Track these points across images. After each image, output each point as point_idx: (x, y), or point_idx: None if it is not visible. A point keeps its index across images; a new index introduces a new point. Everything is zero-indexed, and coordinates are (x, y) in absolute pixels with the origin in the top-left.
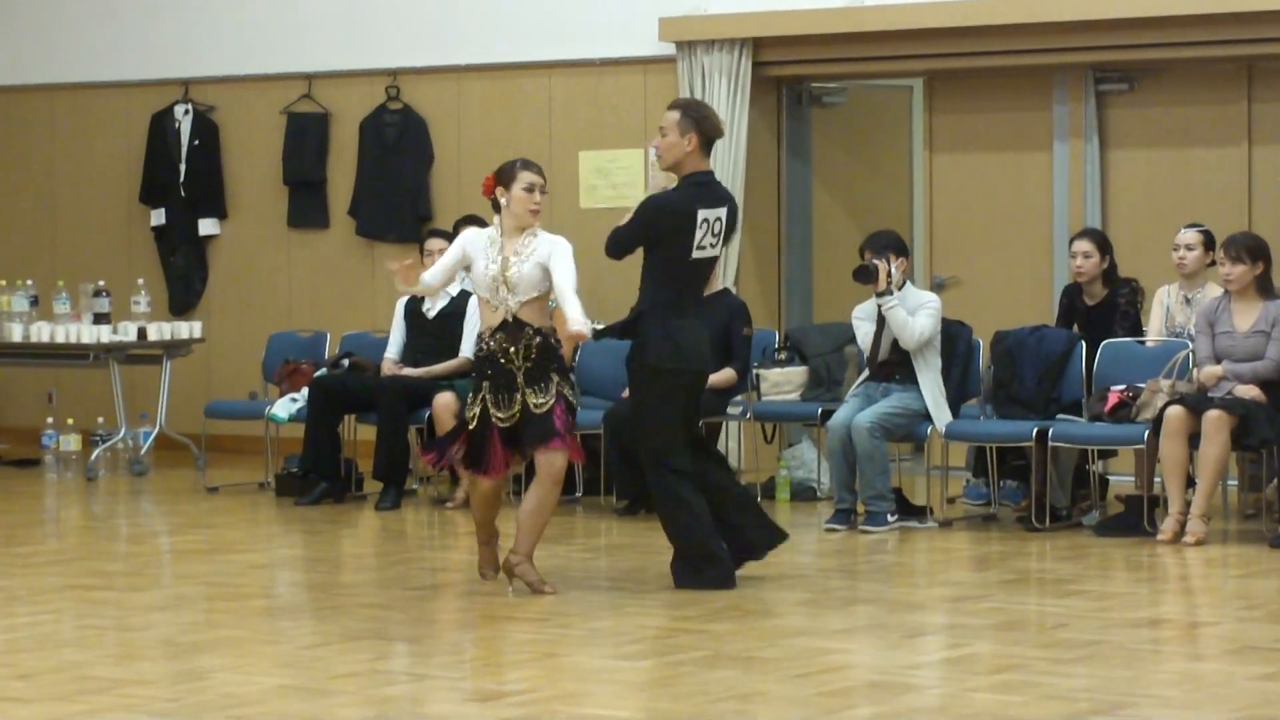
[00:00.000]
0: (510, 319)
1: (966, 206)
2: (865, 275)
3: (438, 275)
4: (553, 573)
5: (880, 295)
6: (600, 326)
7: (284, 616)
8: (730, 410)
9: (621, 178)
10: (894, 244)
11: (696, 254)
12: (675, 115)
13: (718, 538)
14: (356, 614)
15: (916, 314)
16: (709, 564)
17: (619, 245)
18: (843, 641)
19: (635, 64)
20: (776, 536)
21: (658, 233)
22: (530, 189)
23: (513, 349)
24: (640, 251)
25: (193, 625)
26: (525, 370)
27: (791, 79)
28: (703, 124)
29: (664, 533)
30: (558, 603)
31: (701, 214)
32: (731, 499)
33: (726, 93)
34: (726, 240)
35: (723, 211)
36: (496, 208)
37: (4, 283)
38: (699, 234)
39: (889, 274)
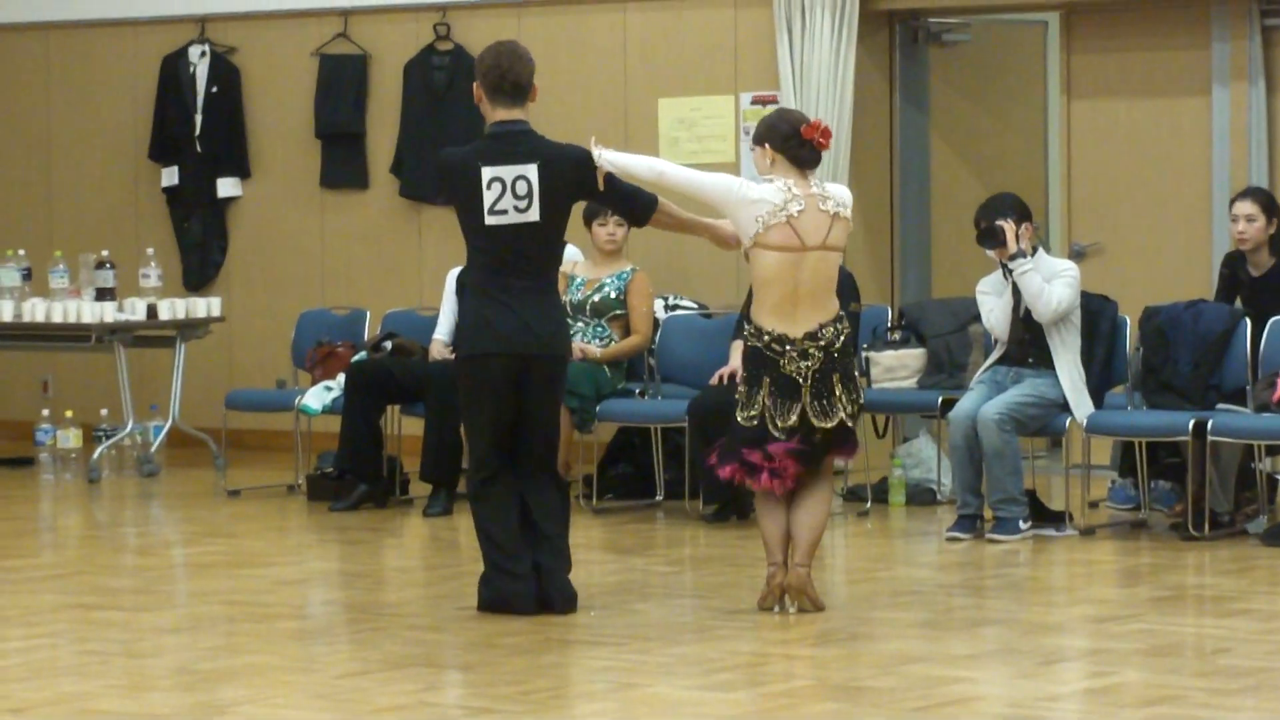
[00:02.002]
0: None
1: (1110, 162)
2: (990, 238)
3: None
4: (630, 589)
5: (1011, 259)
6: None
7: (317, 640)
8: None
9: (708, 129)
10: (1015, 208)
11: (491, 219)
12: None
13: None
14: (402, 637)
15: (1052, 282)
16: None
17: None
18: (968, 669)
19: None
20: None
21: (449, 194)
22: None
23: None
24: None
25: (211, 651)
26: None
27: (905, 14)
28: (482, 72)
29: None
30: (635, 625)
31: (490, 172)
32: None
33: (830, 31)
34: (618, 210)
35: (528, 170)
36: None
37: None
38: (489, 196)
39: (1016, 235)
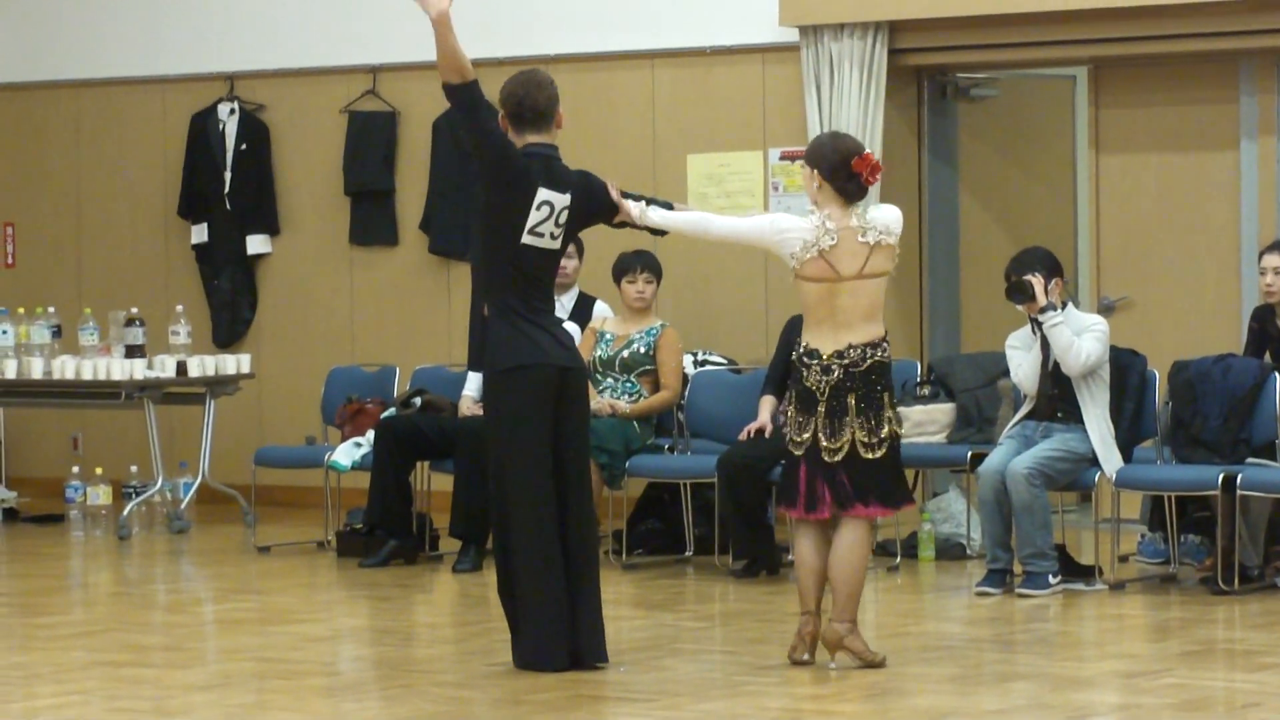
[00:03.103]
0: None
1: (1139, 216)
2: (1020, 292)
3: None
4: (660, 645)
5: (1041, 312)
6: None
7: (347, 697)
8: None
9: (737, 184)
10: (1045, 262)
11: (529, 239)
12: None
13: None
14: (432, 695)
15: (1082, 337)
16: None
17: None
18: None
19: (752, 52)
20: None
21: (496, 186)
22: None
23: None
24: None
25: (241, 708)
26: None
27: (934, 68)
28: (502, 101)
29: None
30: (665, 680)
31: (545, 194)
32: None
33: (859, 85)
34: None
35: (567, 200)
36: None
37: (22, 310)
38: (536, 215)
39: (1046, 289)
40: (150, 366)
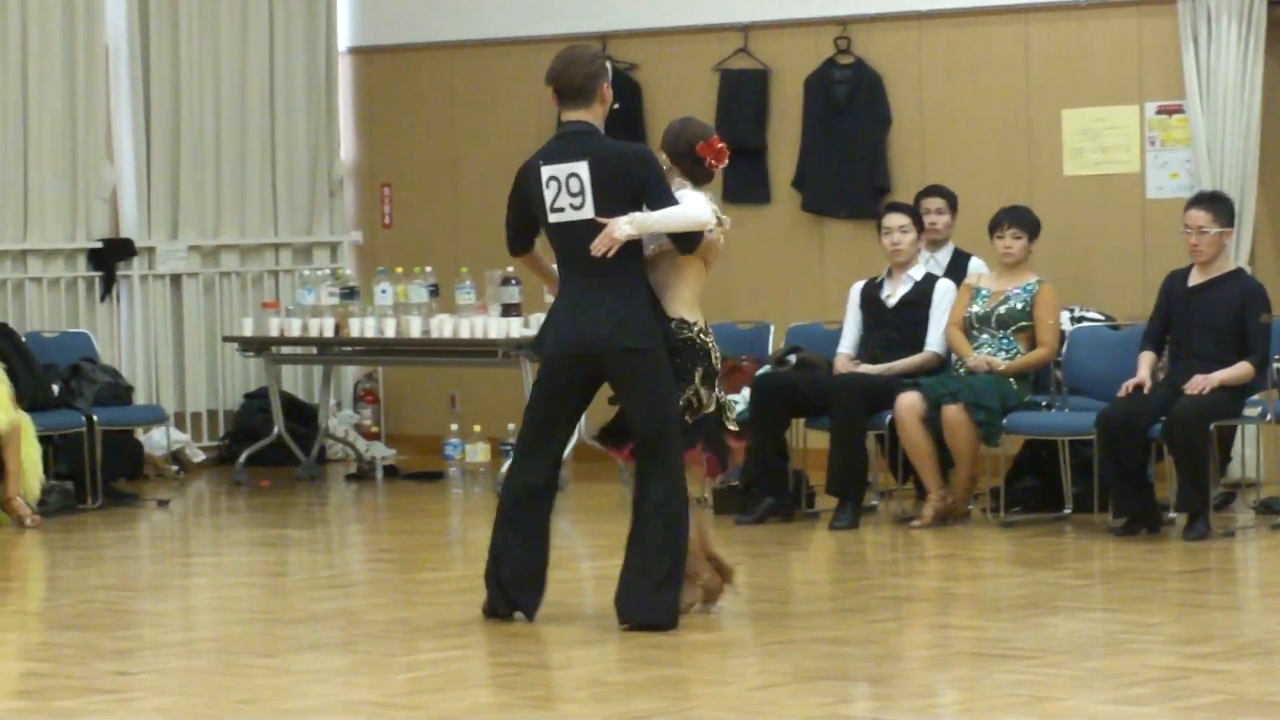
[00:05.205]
0: None
1: None
2: None
3: None
4: (1039, 603)
5: None
6: None
7: (728, 654)
8: (1247, 411)
9: (1113, 139)
10: None
11: (554, 217)
12: None
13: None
14: (811, 650)
15: None
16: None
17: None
18: None
19: (1127, 6)
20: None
21: (521, 201)
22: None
23: None
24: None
25: (623, 663)
26: None
27: None
28: (547, 75)
29: None
30: (1046, 638)
31: (548, 170)
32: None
33: (1237, 37)
34: (652, 204)
35: (579, 167)
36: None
37: (400, 270)
38: (549, 194)
39: None
40: (526, 325)
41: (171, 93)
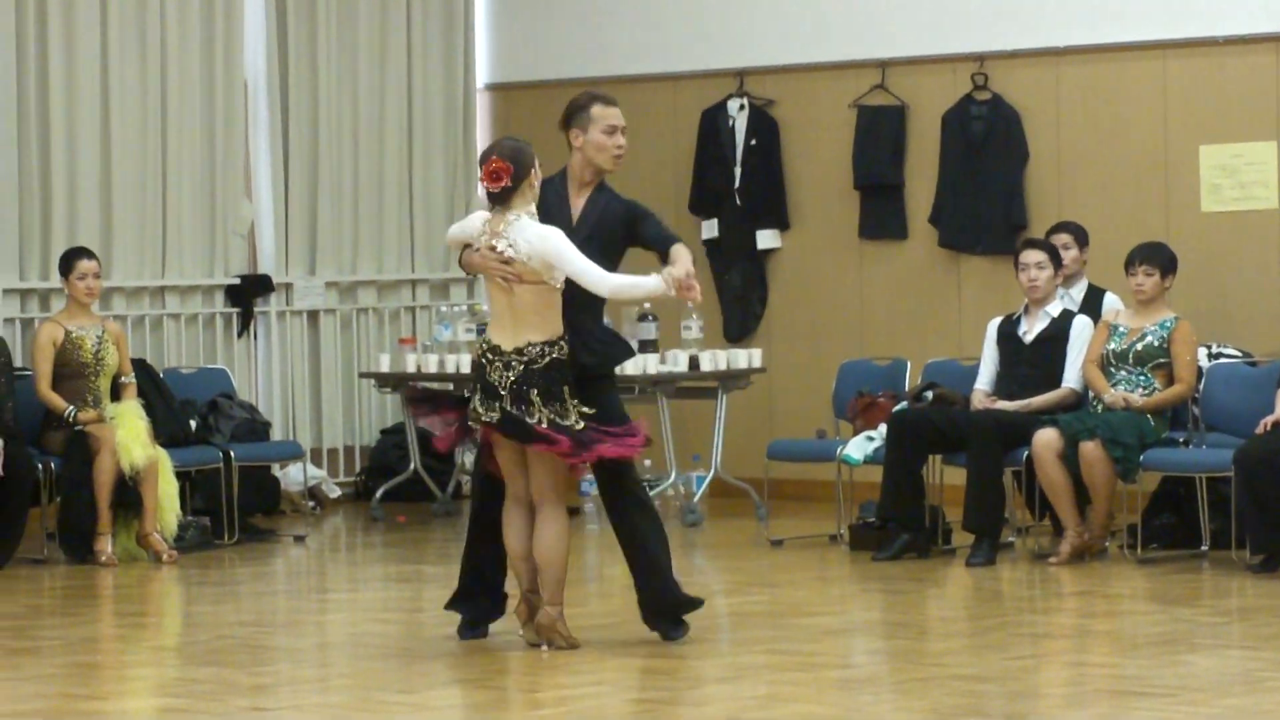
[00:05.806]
0: None
1: None
2: None
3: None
4: (1177, 640)
5: None
6: None
7: (863, 690)
8: None
9: (1251, 175)
10: None
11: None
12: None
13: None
14: (948, 687)
15: None
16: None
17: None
18: None
19: (1265, 42)
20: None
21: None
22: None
23: None
24: None
25: (757, 700)
26: None
27: None
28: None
29: None
30: (1185, 676)
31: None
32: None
33: None
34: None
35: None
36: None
37: None
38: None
39: None
40: (663, 361)
41: (310, 129)
